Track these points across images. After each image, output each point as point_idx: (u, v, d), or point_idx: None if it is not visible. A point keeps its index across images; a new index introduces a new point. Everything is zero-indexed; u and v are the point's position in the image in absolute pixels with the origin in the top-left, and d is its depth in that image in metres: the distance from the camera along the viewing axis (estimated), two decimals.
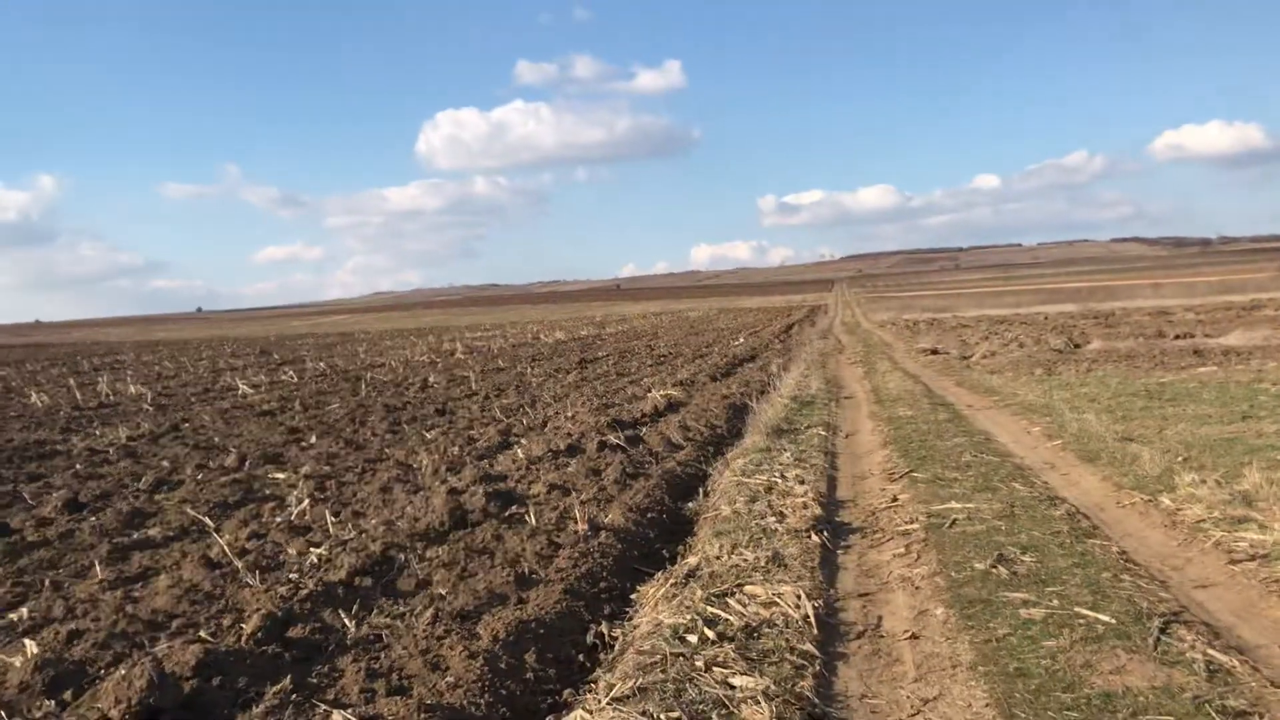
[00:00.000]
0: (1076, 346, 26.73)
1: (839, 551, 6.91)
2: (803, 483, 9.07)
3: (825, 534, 7.16)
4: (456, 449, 12.64)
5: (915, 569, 6.04)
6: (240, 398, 23.54)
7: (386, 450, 13.37)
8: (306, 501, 9.13)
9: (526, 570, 6.63)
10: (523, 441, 12.82)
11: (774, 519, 7.44)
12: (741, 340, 41.62)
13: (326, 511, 8.81)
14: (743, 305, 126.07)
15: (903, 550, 6.59)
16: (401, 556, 6.97)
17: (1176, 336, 28.16)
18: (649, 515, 8.47)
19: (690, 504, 9.26)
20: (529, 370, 28.73)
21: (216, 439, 15.73)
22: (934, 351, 28.11)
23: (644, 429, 13.72)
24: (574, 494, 9.26)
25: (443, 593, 6.27)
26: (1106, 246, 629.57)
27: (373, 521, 8.21)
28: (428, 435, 14.71)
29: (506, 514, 8.47)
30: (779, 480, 9.10)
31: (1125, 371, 18.73)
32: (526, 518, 8.18)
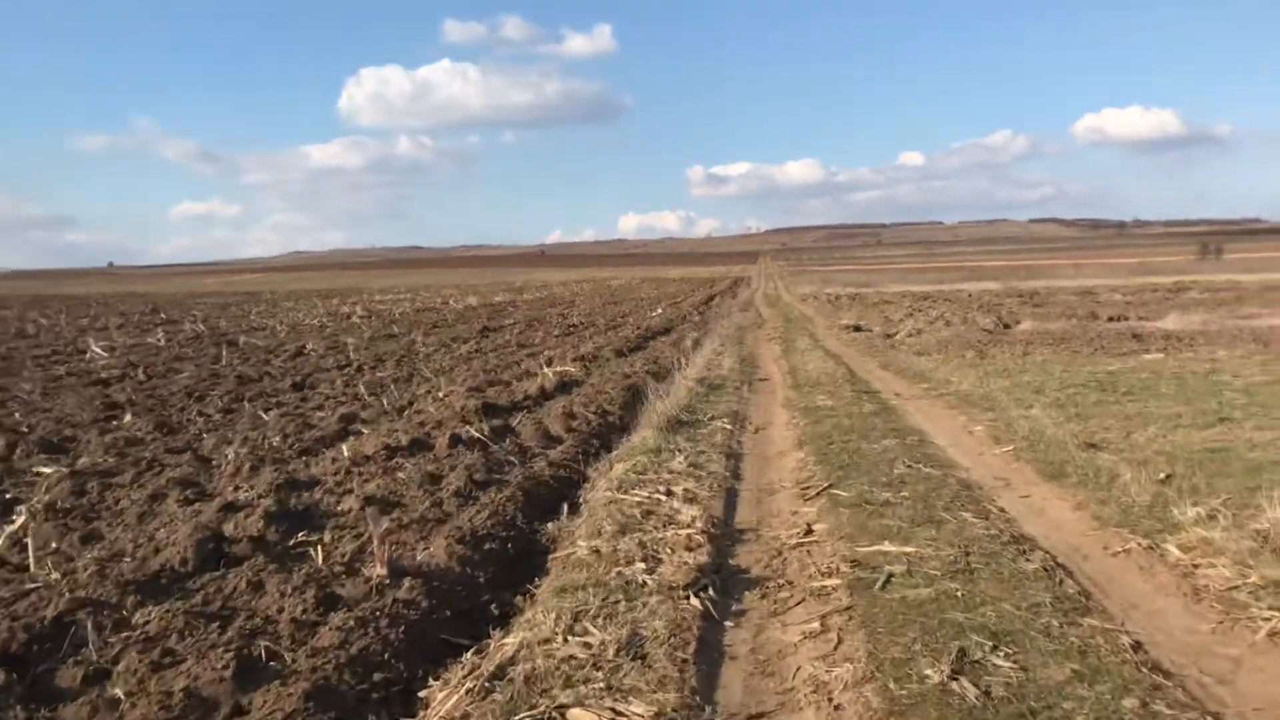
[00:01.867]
0: (1006, 327, 25.21)
1: (728, 625, 4.83)
2: (693, 501, 7.02)
3: (712, 591, 5.09)
4: (278, 439, 10.35)
5: (835, 668, 4.01)
6: (85, 362, 20.81)
7: (204, 436, 11.03)
8: (27, 517, 6.80)
9: (263, 653, 4.46)
10: (364, 431, 10.58)
11: (644, 566, 5.35)
12: (659, 311, 39.62)
13: (52, 532, 6.51)
14: (667, 275, 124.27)
15: (817, 626, 4.56)
16: (90, 623, 4.73)
17: (1110, 319, 26.81)
18: (488, 546, 6.34)
19: (551, 525, 7.16)
20: (422, 339, 26.32)
21: (18, 414, 13.19)
22: (856, 328, 26.36)
23: (520, 416, 11.56)
24: (396, 511, 7.09)
25: (118, 695, 4.08)
26: (1025, 226, 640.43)
27: (89, 556, 5.92)
28: (265, 416, 12.37)
29: (288, 545, 6.28)
30: (663, 497, 7.04)
31: (1065, 357, 17.06)
32: (314, 552, 5.98)
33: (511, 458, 9.20)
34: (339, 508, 7.27)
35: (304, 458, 9.28)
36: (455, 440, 9.45)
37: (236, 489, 7.88)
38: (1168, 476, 7.16)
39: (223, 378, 17.31)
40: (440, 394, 13.98)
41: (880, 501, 6.73)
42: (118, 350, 23.56)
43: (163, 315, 44.55)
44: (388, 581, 5.39)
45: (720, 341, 22.81)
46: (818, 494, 7.27)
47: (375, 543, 5.63)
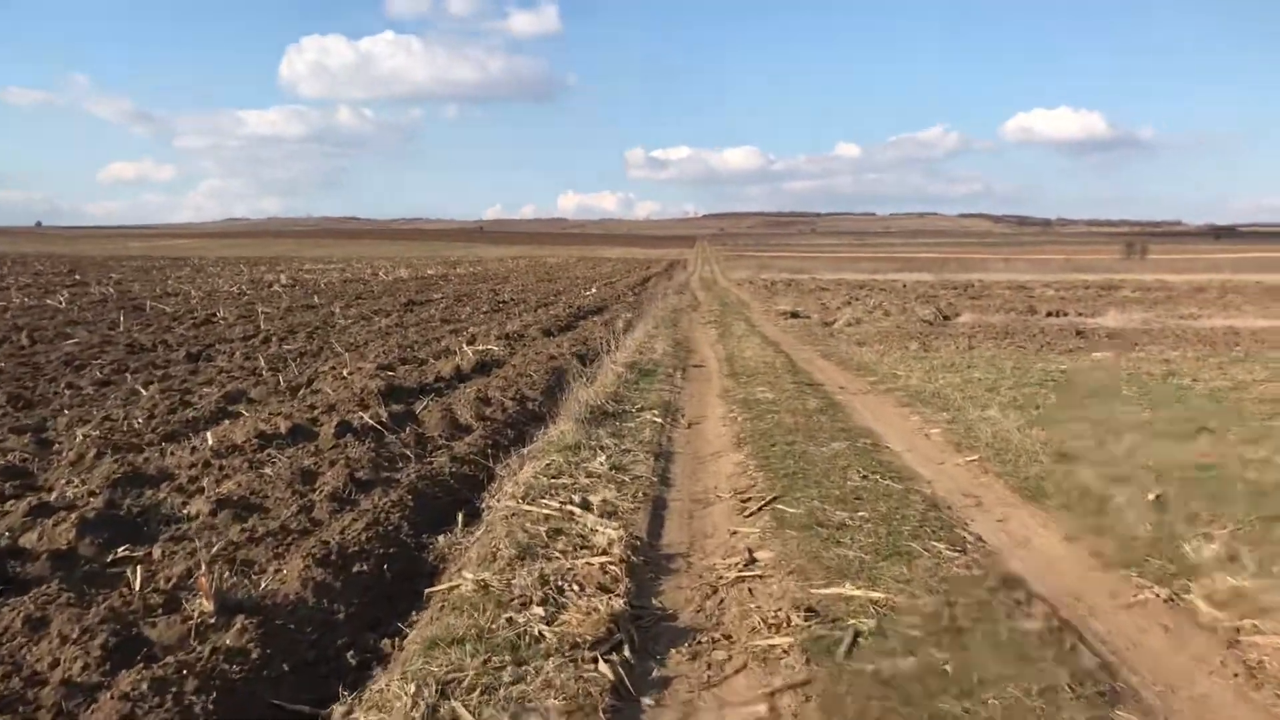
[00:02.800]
0: (946, 319, 24.47)
1: (647, 704, 3.65)
2: (613, 515, 5.89)
3: (628, 650, 3.96)
4: (143, 419, 9.01)
5: None
6: None
7: (65, 412, 9.64)
8: None
9: None
10: (244, 413, 9.27)
11: (543, 612, 4.19)
12: (594, 291, 38.44)
13: None
14: (604, 255, 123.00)
15: (765, 712, 3.47)
16: None
17: (1049, 314, 26.22)
18: (357, 568, 5.15)
19: (442, 538, 5.99)
20: (342, 311, 24.83)
21: None
22: (794, 315, 25.45)
23: (428, 401, 10.32)
24: (253, 519, 5.86)
25: None
26: (955, 221, 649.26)
27: None
28: (143, 391, 10.99)
29: (103, 563, 5.03)
30: (577, 510, 5.89)
31: (1012, 352, 16.25)
32: (130, 575, 4.74)
33: (408, 450, 7.99)
34: (184, 511, 6.01)
35: (165, 444, 7.97)
36: (344, 428, 8.20)
37: (69, 482, 6.58)
38: (1158, 497, 6.21)
39: (113, 345, 15.81)
40: (345, 372, 12.68)
41: (835, 523, 5.65)
42: (9, 312, 21.73)
43: (76, 277, 42.17)
44: (213, 620, 4.19)
45: (654, 324, 21.72)
46: (760, 508, 6.18)
47: (203, 569, 4.41)
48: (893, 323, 22.48)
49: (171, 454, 7.49)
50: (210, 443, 7.56)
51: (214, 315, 22.38)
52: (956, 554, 5.16)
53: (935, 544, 5.27)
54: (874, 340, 18.40)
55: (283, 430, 8.08)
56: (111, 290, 31.29)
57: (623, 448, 7.90)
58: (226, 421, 8.80)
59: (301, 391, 11.11)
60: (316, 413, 9.06)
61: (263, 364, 13.83)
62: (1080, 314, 26.34)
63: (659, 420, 9.30)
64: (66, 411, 9.74)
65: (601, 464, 7.17)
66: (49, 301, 24.94)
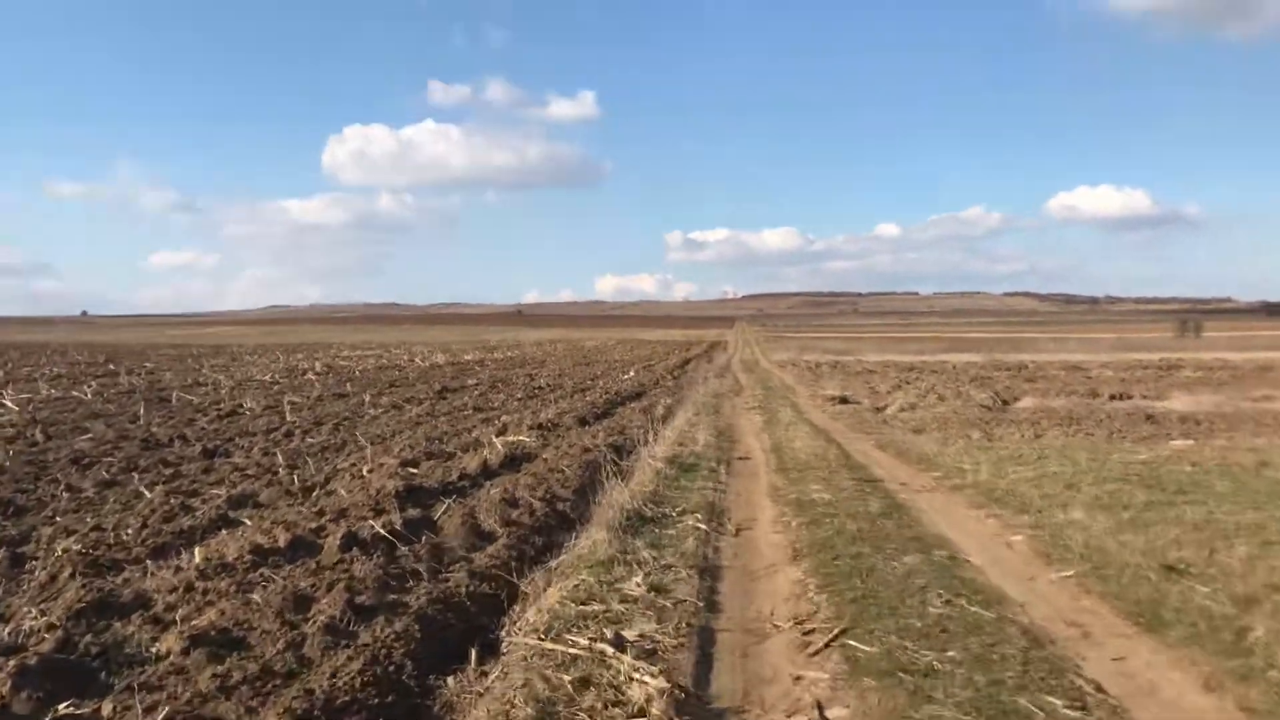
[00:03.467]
0: (1005, 404, 23.34)
1: None
2: (652, 655, 4.94)
3: None
4: (134, 529, 8.19)
5: None
6: None
7: (56, 519, 8.86)
8: None
9: None
10: (246, 521, 8.44)
11: None
12: (631, 374, 37.67)
13: None
14: (643, 337, 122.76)
15: None
16: None
17: (1112, 397, 24.99)
18: None
19: (452, 680, 5.07)
20: (372, 400, 24.17)
21: None
22: (843, 400, 24.43)
23: (448, 503, 9.42)
24: (231, 658, 4.98)
25: None
26: (1000, 299, 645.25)
27: None
28: (147, 493, 10.22)
29: None
30: (609, 649, 4.94)
31: (1083, 441, 15.16)
32: None
33: (421, 565, 7.09)
34: (152, 650, 5.15)
35: (151, 560, 7.13)
36: (350, 540, 7.32)
37: (30, 611, 5.74)
38: None
39: (129, 440, 15.15)
40: (366, 469, 11.87)
41: (921, 667, 4.66)
42: (32, 405, 21.25)
43: (110, 366, 42.10)
44: None
45: (695, 410, 20.80)
46: (827, 644, 5.20)
47: None
48: (949, 408, 21.41)
49: (154, 574, 6.63)
50: (197, 560, 6.71)
51: (240, 406, 21.79)
52: (1077, 712, 4.14)
53: (1048, 698, 4.26)
54: (931, 428, 17.36)
55: (282, 543, 7.22)
56: (141, 380, 30.94)
57: (663, 562, 6.96)
58: (224, 532, 7.98)
59: (316, 493, 10.28)
60: (324, 520, 8.20)
61: (281, 460, 13.08)
62: (1145, 396, 25.10)
63: (702, 526, 8.34)
64: (58, 519, 8.98)
65: (638, 585, 6.23)
66: (75, 393, 24.49)
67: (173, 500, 9.72)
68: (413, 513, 8.55)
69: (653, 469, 11.12)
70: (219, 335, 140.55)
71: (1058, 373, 37.90)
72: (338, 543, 7.21)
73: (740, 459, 13.70)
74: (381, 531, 7.63)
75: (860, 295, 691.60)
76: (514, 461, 13.08)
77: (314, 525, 7.95)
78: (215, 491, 10.49)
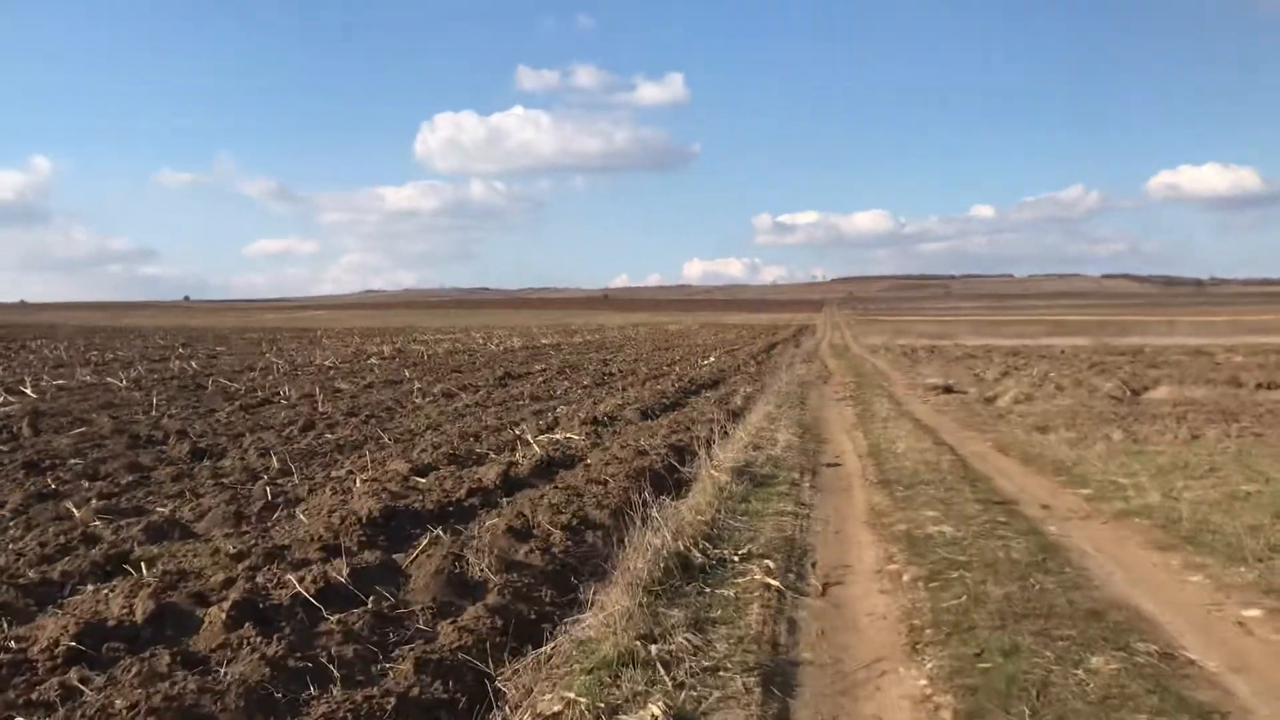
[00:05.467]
0: (1135, 394, 20.23)
1: None
2: None
3: None
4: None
5: None
6: None
7: None
8: None
9: None
10: (133, 572, 6.16)
11: None
12: (711, 360, 35.10)
13: None
14: (728, 321, 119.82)
15: None
16: None
17: (1259, 386, 21.66)
18: None
19: None
20: (425, 387, 22.07)
21: None
22: (946, 389, 21.55)
23: (436, 534, 7.05)
24: None
25: None
26: (1097, 282, 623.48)
27: None
28: (76, 513, 8.08)
29: None
30: None
31: (1253, 443, 12.23)
32: None
33: (350, 649, 4.74)
34: None
35: None
36: (245, 612, 4.96)
37: None
38: None
39: (121, 436, 13.19)
40: (361, 478, 9.59)
41: None
42: (48, 394, 19.57)
43: (181, 350, 41.03)
44: None
45: (777, 401, 18.21)
46: None
47: None
48: (1073, 400, 18.41)
49: None
50: None
51: (277, 394, 19.86)
52: None
53: None
54: (1058, 424, 14.51)
55: (140, 616, 4.90)
56: (194, 365, 29.38)
57: (705, 659, 4.48)
58: (118, 580, 5.70)
59: (278, 513, 8.03)
60: (240, 568, 5.88)
61: (275, 464, 10.94)
62: None
63: (774, 582, 5.82)
64: None
65: (656, 714, 3.76)
66: (109, 380, 22.85)
67: (96, 523, 7.57)
68: (368, 557, 6.19)
69: (714, 485, 8.61)
70: (312, 319, 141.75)
71: (1181, 358, 34.24)
72: (225, 614, 4.87)
73: (829, 466, 11.13)
74: (306, 592, 5.28)
75: (953, 278, 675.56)
76: (550, 467, 10.73)
77: (219, 578, 5.63)
78: (161, 510, 8.33)
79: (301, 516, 7.57)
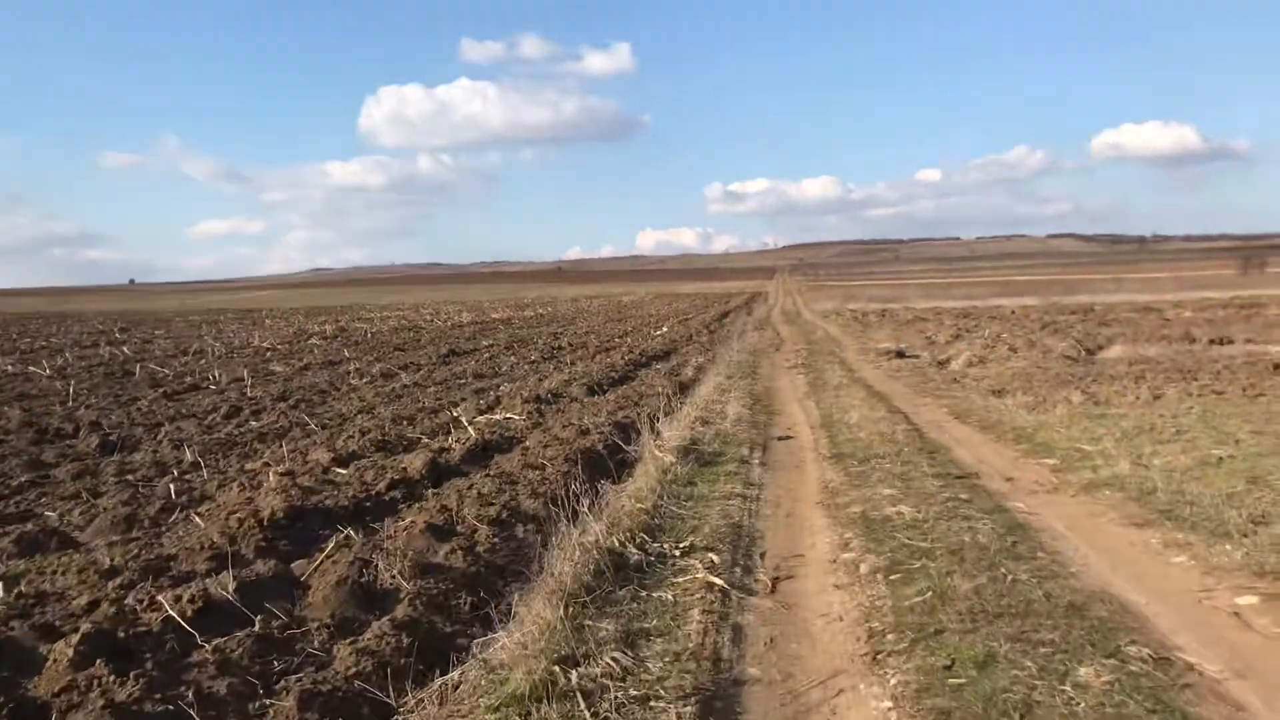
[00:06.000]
0: (1090, 353, 19.92)
1: None
2: None
3: None
4: None
5: None
6: None
7: None
8: None
9: None
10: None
11: None
12: (664, 330, 34.53)
13: None
14: (681, 290, 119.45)
15: None
16: None
17: (1212, 341, 21.46)
18: None
19: None
20: (364, 367, 21.25)
21: None
22: (899, 354, 21.11)
23: (346, 534, 6.36)
24: None
25: None
26: (1043, 242, 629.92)
27: None
28: None
29: None
30: None
31: (1215, 401, 11.85)
32: None
33: (222, 684, 4.06)
34: None
35: None
36: (99, 643, 4.25)
37: None
38: None
39: (28, 430, 12.30)
40: (277, 470, 8.85)
41: None
42: None
43: (117, 335, 39.61)
44: None
45: (728, 371, 17.64)
46: None
47: None
48: (1027, 361, 18.01)
49: None
50: None
51: (207, 379, 18.95)
52: None
53: None
54: (1014, 387, 14.06)
55: None
56: (126, 351, 28.24)
57: (633, 688, 3.82)
58: None
59: (175, 515, 7.29)
60: (113, 586, 5.16)
61: (188, 457, 10.16)
62: (1251, 341, 21.53)
63: (717, 581, 5.20)
64: None
65: None
66: (33, 368, 21.74)
67: None
68: (260, 568, 5.49)
69: (658, 465, 7.99)
70: (257, 300, 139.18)
71: (1131, 315, 34.21)
72: (74, 650, 4.16)
73: (780, 439, 10.56)
74: (176, 616, 4.59)
75: (902, 242, 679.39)
76: (485, 452, 10.06)
77: (83, 601, 4.91)
78: (50, 514, 7.56)
79: (198, 519, 6.83)
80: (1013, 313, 38.48)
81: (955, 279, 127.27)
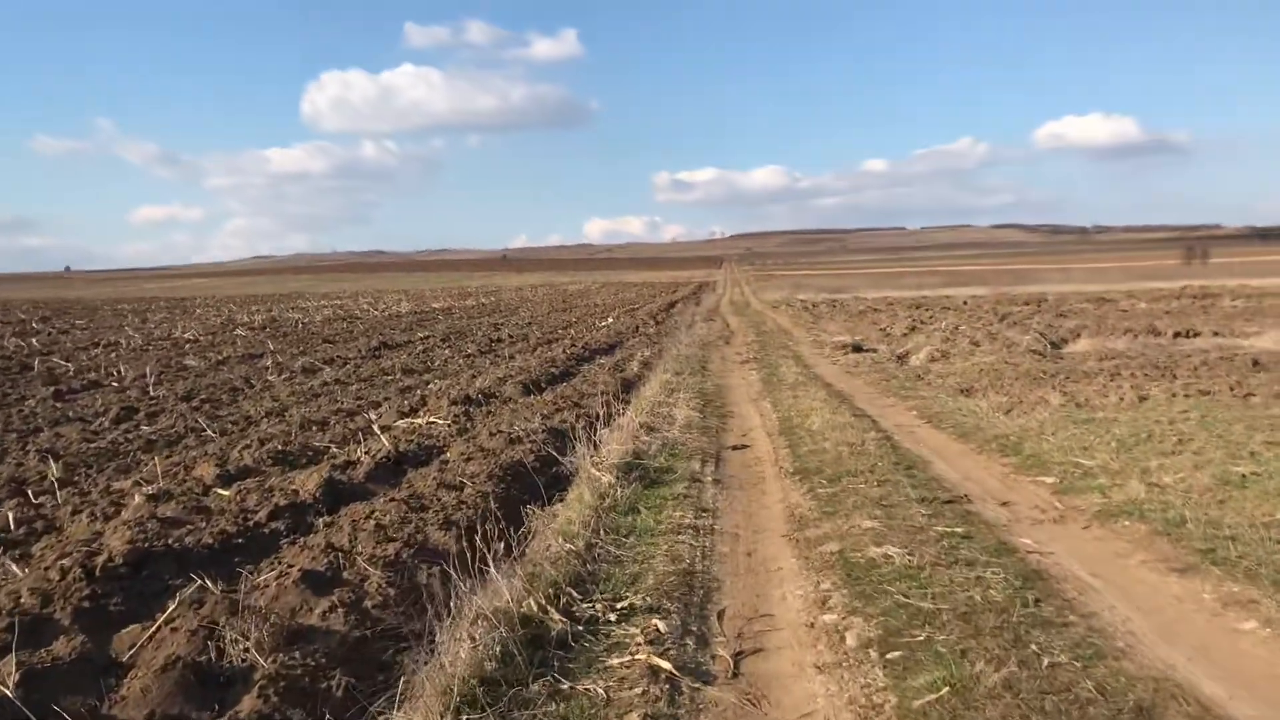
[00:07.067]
0: (1055, 346, 19.03)
1: None
2: None
3: None
4: None
5: None
6: None
7: None
8: None
9: None
10: None
11: None
12: (610, 321, 33.32)
13: None
14: (628, 280, 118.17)
15: None
16: None
17: (1179, 334, 20.68)
18: None
19: None
20: (285, 362, 19.75)
21: None
22: (856, 348, 20.04)
23: (198, 588, 5.06)
24: None
25: None
26: (988, 232, 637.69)
27: None
28: None
29: None
30: None
31: (1205, 403, 10.88)
32: None
33: None
34: None
35: None
36: None
37: None
38: None
39: None
40: (145, 492, 7.49)
41: None
42: None
43: (36, 326, 37.48)
44: None
45: (676, 368, 16.44)
46: None
47: None
48: (993, 356, 17.02)
49: None
50: None
51: (110, 376, 17.39)
52: None
53: None
54: (984, 385, 13.02)
55: None
56: (34, 344, 26.39)
57: None
58: None
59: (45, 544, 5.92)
60: None
61: (53, 473, 8.75)
62: (1218, 333, 20.79)
63: (664, 664, 3.98)
64: None
65: None
66: None
67: None
68: (61, 647, 4.17)
69: (595, 491, 6.74)
70: (192, 287, 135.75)
71: (1085, 305, 33.62)
72: None
73: (735, 448, 9.38)
74: None
75: (848, 232, 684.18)
76: (398, 465, 8.77)
77: None
78: None
79: (14, 567, 5.46)
80: (965, 303, 37.76)
81: (903, 269, 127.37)
